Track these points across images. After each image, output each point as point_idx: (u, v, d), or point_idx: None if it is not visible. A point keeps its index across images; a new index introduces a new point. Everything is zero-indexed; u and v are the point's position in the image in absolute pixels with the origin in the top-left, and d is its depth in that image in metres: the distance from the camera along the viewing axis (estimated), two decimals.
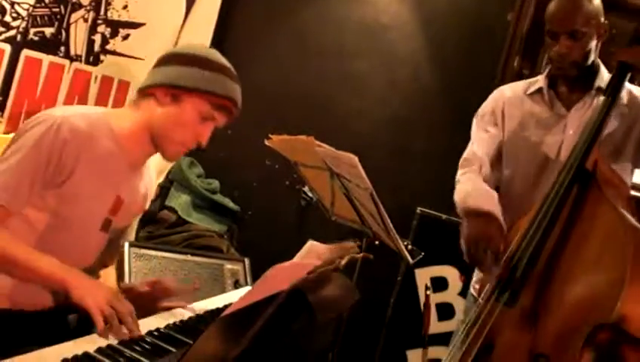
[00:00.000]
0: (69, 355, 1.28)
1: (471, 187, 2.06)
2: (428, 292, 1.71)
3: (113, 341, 1.41)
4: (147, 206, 1.94)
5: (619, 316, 1.51)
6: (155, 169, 3.51)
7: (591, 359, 1.52)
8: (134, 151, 1.72)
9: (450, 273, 3.07)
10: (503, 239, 1.83)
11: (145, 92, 1.70)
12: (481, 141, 2.18)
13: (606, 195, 1.70)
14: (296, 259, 1.39)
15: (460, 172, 2.18)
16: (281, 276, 1.20)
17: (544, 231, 1.75)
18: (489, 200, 1.97)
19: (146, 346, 1.44)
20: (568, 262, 1.70)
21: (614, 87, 1.87)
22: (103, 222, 1.70)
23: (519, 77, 2.93)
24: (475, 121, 2.26)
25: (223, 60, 1.72)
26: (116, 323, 1.44)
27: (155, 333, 1.53)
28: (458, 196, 2.08)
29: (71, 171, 1.58)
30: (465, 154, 2.21)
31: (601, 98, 1.90)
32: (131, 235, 3.49)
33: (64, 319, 1.68)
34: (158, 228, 3.41)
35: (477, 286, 2.21)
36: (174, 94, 1.66)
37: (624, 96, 2.02)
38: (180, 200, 3.45)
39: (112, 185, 1.70)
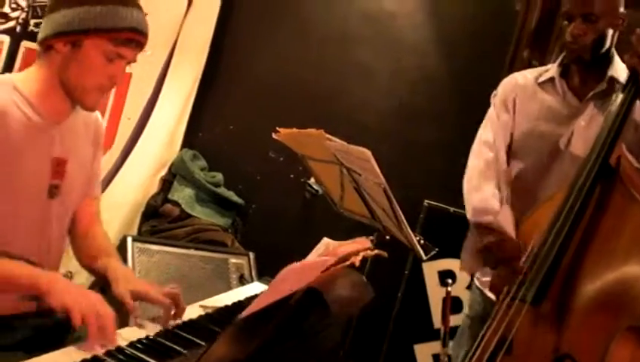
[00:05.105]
0: (78, 359, 1.25)
1: (481, 197, 2.05)
2: (449, 289, 1.68)
3: (122, 343, 1.37)
4: (102, 138, 1.85)
5: None
6: (158, 162, 3.49)
7: None
8: (53, 109, 1.61)
9: (458, 266, 3.02)
10: (519, 255, 1.81)
11: (44, 45, 1.59)
12: (496, 127, 2.15)
13: (633, 193, 1.67)
14: (312, 256, 1.35)
15: (474, 158, 2.14)
16: (296, 275, 1.18)
17: (569, 229, 1.71)
18: (503, 217, 1.96)
19: (156, 347, 1.41)
20: (594, 260, 1.67)
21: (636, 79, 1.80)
22: (47, 189, 1.62)
23: (528, 67, 2.87)
24: (492, 102, 2.22)
25: None
26: (107, 324, 1.37)
27: (164, 334, 1.49)
28: (468, 202, 2.09)
29: None
30: (482, 137, 2.16)
31: (618, 91, 1.85)
32: (134, 229, 3.45)
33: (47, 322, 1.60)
34: (161, 222, 3.38)
35: (482, 279, 2.19)
36: (73, 41, 1.54)
37: None
38: (183, 194, 3.41)
39: (42, 150, 1.60)
